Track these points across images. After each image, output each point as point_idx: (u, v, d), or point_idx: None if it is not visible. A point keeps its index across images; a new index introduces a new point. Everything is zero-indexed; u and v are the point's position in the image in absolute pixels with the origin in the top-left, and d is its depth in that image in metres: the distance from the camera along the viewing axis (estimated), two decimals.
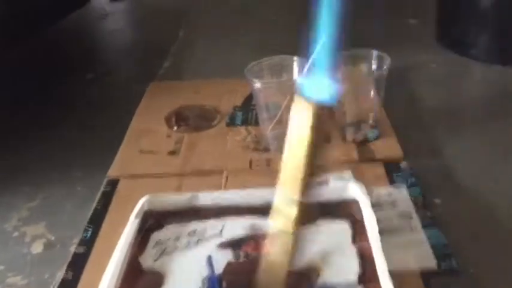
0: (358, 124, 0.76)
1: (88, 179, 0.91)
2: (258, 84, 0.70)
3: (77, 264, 0.56)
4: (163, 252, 0.55)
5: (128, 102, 0.96)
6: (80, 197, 0.87)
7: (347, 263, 0.51)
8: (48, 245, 0.76)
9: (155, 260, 0.54)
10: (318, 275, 0.50)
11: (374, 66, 0.73)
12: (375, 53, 0.73)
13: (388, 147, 0.72)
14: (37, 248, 0.75)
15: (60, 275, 0.68)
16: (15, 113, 1.02)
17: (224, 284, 0.50)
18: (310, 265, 0.51)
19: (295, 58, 0.73)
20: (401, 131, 0.77)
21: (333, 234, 0.55)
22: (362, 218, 0.56)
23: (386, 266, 0.48)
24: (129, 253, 0.54)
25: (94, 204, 0.65)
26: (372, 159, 0.70)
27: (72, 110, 1.07)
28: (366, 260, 0.51)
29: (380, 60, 0.72)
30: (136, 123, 0.85)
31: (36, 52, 1.26)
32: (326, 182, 0.65)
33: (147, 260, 0.54)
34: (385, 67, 0.71)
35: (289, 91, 0.70)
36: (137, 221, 0.58)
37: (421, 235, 0.55)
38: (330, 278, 0.49)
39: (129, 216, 0.57)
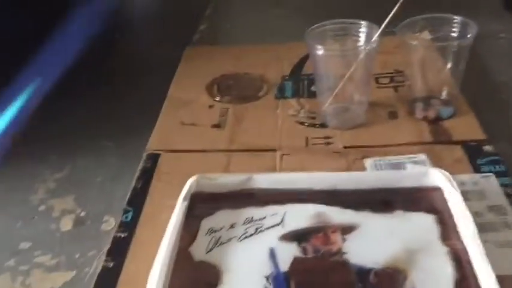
0: (427, 99, 0.67)
1: (120, 149, 0.84)
2: (321, 51, 0.61)
3: (118, 251, 0.49)
4: (217, 243, 0.47)
5: (162, 68, 0.88)
6: (112, 169, 0.80)
7: (438, 265, 0.43)
8: (78, 222, 0.70)
9: (208, 251, 0.46)
10: (405, 277, 0.42)
11: (454, 34, 0.63)
12: (457, 18, 0.63)
13: (467, 127, 0.62)
14: (66, 224, 0.70)
15: (92, 255, 0.62)
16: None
17: (293, 284, 0.42)
18: (394, 265, 0.43)
19: (362, 23, 0.63)
20: (475, 110, 0.67)
21: (415, 229, 0.47)
22: (447, 211, 0.48)
23: (492, 272, 0.40)
24: (179, 242, 0.47)
25: (133, 183, 0.58)
26: (449, 141, 0.61)
27: (102, 77, 0.99)
28: (461, 263, 0.43)
29: (463, 27, 0.62)
30: (175, 91, 0.77)
31: None
32: (402, 165, 0.57)
33: (199, 251, 0.46)
34: (469, 35, 0.61)
35: (354, 60, 0.61)
36: (185, 204, 0.50)
37: None
38: (420, 283, 0.41)
39: (173, 196, 0.50)
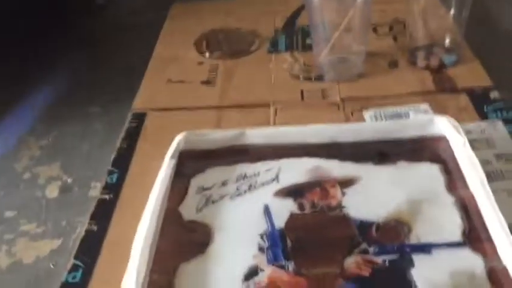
0: (429, 47, 0.63)
1: (107, 115, 0.81)
2: None
3: (102, 213, 0.46)
4: (208, 201, 0.44)
5: (148, 29, 0.83)
6: (99, 135, 0.77)
7: (444, 215, 0.40)
8: (64, 188, 0.68)
9: (199, 211, 0.43)
10: (409, 229, 0.39)
11: None
12: None
13: (472, 73, 0.59)
14: (52, 191, 0.67)
15: (79, 221, 0.59)
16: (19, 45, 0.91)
17: (289, 241, 0.40)
18: (397, 217, 0.40)
19: None
20: (480, 57, 0.63)
21: (420, 179, 0.44)
22: (453, 159, 0.45)
23: (503, 219, 0.37)
24: (167, 202, 0.44)
25: (118, 142, 0.55)
26: (453, 89, 0.57)
27: (86, 41, 0.95)
28: (469, 213, 0.40)
29: None
30: (162, 49, 0.72)
31: None
32: (405, 115, 0.53)
33: (189, 211, 0.43)
34: None
35: (351, 8, 0.57)
36: (173, 162, 0.47)
37: None
38: (425, 235, 0.38)
39: (161, 156, 0.47)
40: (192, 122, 0.57)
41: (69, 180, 0.71)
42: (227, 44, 0.72)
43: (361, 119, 0.54)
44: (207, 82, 0.64)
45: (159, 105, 0.60)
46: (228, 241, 0.40)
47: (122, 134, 0.56)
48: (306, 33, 0.71)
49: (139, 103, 0.61)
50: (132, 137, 0.56)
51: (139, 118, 0.58)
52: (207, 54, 0.70)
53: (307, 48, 0.67)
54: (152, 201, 0.42)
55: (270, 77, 0.64)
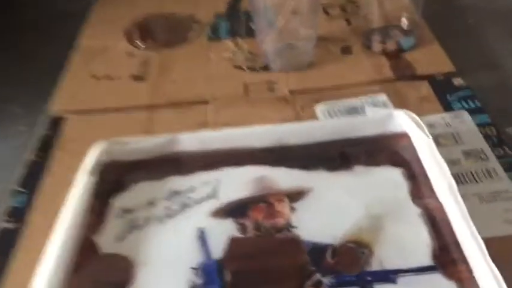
0: (385, 30, 0.57)
1: (32, 116, 0.71)
2: None
3: (4, 246, 0.37)
4: (131, 227, 0.36)
5: (77, 19, 0.73)
6: (22, 139, 0.67)
7: (410, 232, 0.34)
8: None
9: (119, 240, 0.36)
10: (371, 252, 0.33)
11: None
12: None
13: (432, 58, 0.53)
14: None
15: None
16: None
17: (228, 274, 0.32)
18: (356, 238, 0.34)
19: None
20: (440, 38, 0.58)
21: (380, 187, 0.38)
22: (417, 161, 0.39)
23: (478, 236, 0.31)
24: (80, 229, 0.36)
25: (28, 155, 0.46)
26: (413, 76, 0.51)
27: (6, 35, 0.83)
28: (439, 227, 0.34)
29: None
30: (86, 40, 0.63)
31: None
32: (361, 109, 0.47)
33: (107, 240, 0.35)
34: None
35: None
36: (91, 178, 0.39)
37: (505, 183, 0.38)
38: (389, 258, 0.32)
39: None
40: (119, 126, 0.49)
41: None
42: (162, 32, 0.64)
43: (313, 115, 0.48)
44: (137, 77, 0.56)
45: (80, 106, 0.52)
46: (153, 280, 0.33)
47: (34, 144, 0.47)
48: (251, 17, 0.63)
49: (56, 105, 0.52)
50: (46, 147, 0.47)
51: (56, 123, 0.50)
52: (139, 45, 0.61)
53: (252, 33, 0.60)
54: (60, 231, 0.34)
55: (210, 69, 0.56)
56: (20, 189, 0.42)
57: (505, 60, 0.57)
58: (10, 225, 0.39)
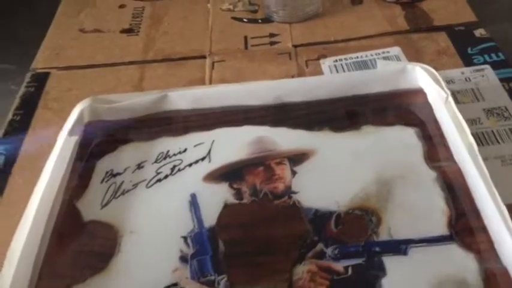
0: None
1: (24, 73, 0.67)
2: None
3: None
4: (116, 192, 0.33)
5: None
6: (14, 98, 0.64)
7: (424, 198, 0.30)
8: None
9: (104, 206, 0.33)
10: (379, 221, 0.30)
11: None
12: None
13: (452, 7, 0.48)
14: None
15: None
16: None
17: (221, 244, 0.30)
18: (363, 204, 0.31)
19: None
20: None
21: (391, 149, 0.34)
22: (433, 120, 0.35)
23: (501, 202, 0.28)
24: (62, 195, 0.33)
25: (9, 115, 0.43)
26: (430, 27, 0.46)
27: None
28: (456, 194, 0.30)
29: None
30: None
31: None
32: (372, 63, 0.43)
33: (91, 206, 0.33)
34: None
35: None
36: (73, 139, 0.36)
37: None
38: (399, 228, 0.29)
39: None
40: (107, 83, 0.45)
41: None
42: None
43: (318, 71, 0.44)
44: (128, 30, 0.51)
45: (66, 62, 0.48)
46: (140, 249, 0.30)
47: (15, 103, 0.44)
48: None
49: (40, 61, 0.48)
50: (29, 105, 0.43)
51: (40, 80, 0.46)
52: None
53: None
54: (38, 195, 0.31)
55: (207, 21, 0.51)
56: (0, 150, 0.39)
57: None
58: None
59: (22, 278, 0.28)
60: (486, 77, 0.40)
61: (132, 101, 0.38)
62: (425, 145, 0.34)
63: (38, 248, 0.30)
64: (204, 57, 0.47)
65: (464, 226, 0.29)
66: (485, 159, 0.34)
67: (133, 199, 0.33)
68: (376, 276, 0.27)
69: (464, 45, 0.43)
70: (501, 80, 0.39)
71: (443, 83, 0.35)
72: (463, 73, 0.40)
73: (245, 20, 0.51)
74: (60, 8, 0.56)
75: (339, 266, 0.28)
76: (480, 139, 0.36)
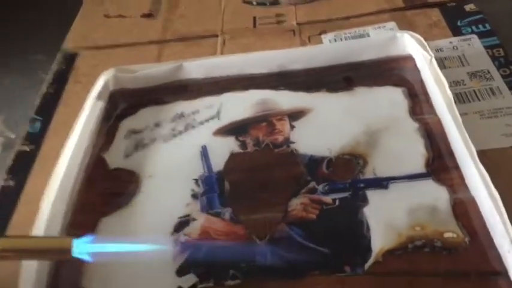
0: None
1: (52, 63, 0.73)
2: None
3: (21, 167, 0.40)
4: (137, 145, 0.38)
5: None
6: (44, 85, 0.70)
7: (406, 144, 0.34)
8: (7, 144, 0.62)
9: (127, 156, 0.38)
10: (365, 163, 0.34)
11: None
12: None
13: None
14: None
15: None
16: None
17: (227, 185, 0.34)
18: (352, 150, 0.35)
19: None
20: None
21: (380, 105, 0.38)
22: (419, 81, 0.39)
23: (471, 145, 0.31)
24: (90, 148, 0.38)
25: (44, 88, 0.48)
26: (423, 4, 0.50)
27: None
28: (434, 140, 0.34)
29: None
30: None
31: None
32: (367, 36, 0.47)
33: (115, 157, 0.38)
34: None
35: None
36: (100, 103, 0.41)
37: (508, 100, 0.38)
38: (383, 168, 0.33)
39: None
40: (129, 59, 0.50)
41: (12, 136, 0.64)
42: None
43: (320, 44, 0.48)
44: (148, 15, 0.56)
45: (92, 43, 0.53)
46: (158, 189, 0.35)
47: (49, 78, 0.49)
48: None
49: (70, 42, 0.54)
50: (61, 80, 0.49)
51: (70, 59, 0.51)
52: None
53: None
54: (70, 148, 0.36)
55: (220, 4, 0.56)
56: (36, 117, 0.45)
57: None
58: (26, 148, 0.42)
59: (58, 213, 0.33)
60: (472, 45, 0.43)
61: (151, 71, 0.43)
62: (410, 102, 0.38)
63: (71, 189, 0.34)
64: (216, 36, 0.52)
65: (440, 165, 0.33)
66: (465, 114, 0.38)
67: (152, 151, 0.38)
68: (359, 206, 0.31)
69: (455, 19, 0.47)
70: (486, 47, 0.43)
71: (428, 47, 0.39)
72: (451, 42, 0.44)
73: (254, 3, 0.56)
74: None
75: (328, 198, 0.32)
76: (463, 97, 0.39)
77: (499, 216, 0.27)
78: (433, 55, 0.38)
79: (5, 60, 0.77)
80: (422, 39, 0.40)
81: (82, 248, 0.22)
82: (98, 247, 0.23)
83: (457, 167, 0.32)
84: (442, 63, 0.43)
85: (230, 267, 0.29)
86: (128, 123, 0.40)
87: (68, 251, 0.22)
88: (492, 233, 0.28)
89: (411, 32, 0.40)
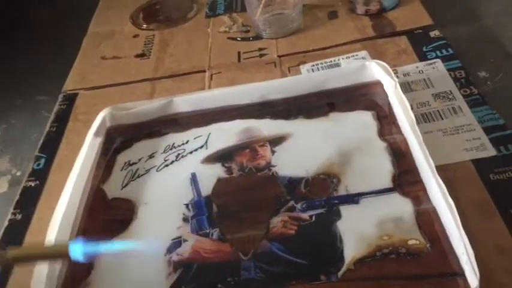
0: None
1: (55, 102, 0.78)
2: None
3: (28, 201, 0.44)
4: (133, 176, 0.42)
5: (87, 9, 0.79)
6: (47, 124, 0.74)
7: (375, 163, 0.38)
8: (13, 182, 0.65)
9: (124, 187, 0.41)
10: (339, 181, 0.37)
11: None
12: None
13: (412, 15, 0.56)
14: (1, 186, 0.64)
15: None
16: None
17: (215, 207, 0.38)
18: (327, 170, 0.38)
19: None
20: None
21: (352, 128, 0.42)
22: (388, 105, 0.43)
23: (431, 160, 0.35)
24: (91, 181, 0.41)
25: (47, 127, 0.52)
26: (392, 33, 0.54)
27: (32, 28, 0.91)
28: (400, 157, 0.38)
29: None
30: (95, 26, 0.69)
31: None
32: (338, 64, 0.51)
33: (113, 188, 0.41)
34: None
35: None
36: (99, 140, 0.45)
37: (469, 118, 0.41)
38: (354, 185, 0.36)
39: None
40: (124, 97, 0.54)
41: (18, 173, 0.68)
42: (164, 13, 0.69)
43: (298, 75, 0.52)
44: (141, 55, 0.61)
45: (91, 84, 0.57)
46: (152, 215, 0.38)
47: (51, 118, 0.53)
48: None
49: (70, 84, 0.58)
50: (62, 119, 0.53)
51: (70, 99, 0.56)
52: (144, 26, 0.67)
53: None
54: (72, 182, 0.40)
55: (207, 42, 0.61)
56: (40, 154, 0.48)
57: (480, 11, 0.60)
58: (31, 184, 0.45)
59: (63, 239, 0.36)
60: (436, 68, 0.47)
61: (144, 107, 0.47)
62: (379, 124, 0.41)
63: (74, 218, 0.38)
64: (204, 71, 0.56)
65: (405, 180, 0.36)
66: (430, 132, 0.41)
67: (146, 180, 0.41)
68: (333, 220, 0.34)
69: (421, 45, 0.51)
70: (449, 70, 0.47)
71: (391, 72, 0.43)
72: (417, 67, 0.48)
73: (239, 38, 0.60)
74: (84, 43, 0.66)
75: (305, 215, 0.35)
76: (427, 117, 0.43)
77: (455, 222, 0.31)
78: (397, 80, 0.42)
79: (14, 100, 0.80)
80: (387, 66, 0.44)
81: (77, 250, 0.26)
82: (91, 248, 0.27)
83: (420, 181, 0.35)
84: (409, 86, 0.47)
85: (218, 281, 0.32)
86: (124, 156, 0.44)
87: (65, 254, 0.27)
88: (450, 238, 0.31)
89: (378, 61, 0.44)
